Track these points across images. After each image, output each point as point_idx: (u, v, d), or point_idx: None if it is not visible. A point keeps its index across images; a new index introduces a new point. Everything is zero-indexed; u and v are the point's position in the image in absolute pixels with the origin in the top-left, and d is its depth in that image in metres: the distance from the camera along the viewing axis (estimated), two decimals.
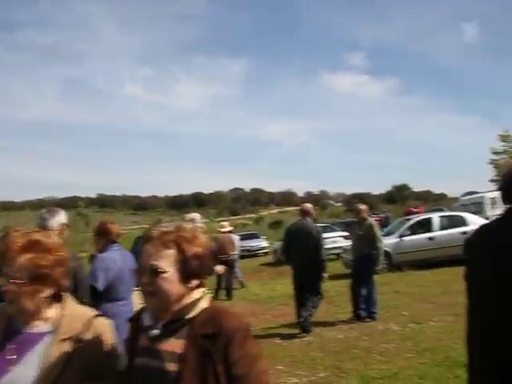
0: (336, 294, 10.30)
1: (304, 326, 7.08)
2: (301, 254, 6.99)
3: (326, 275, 7.15)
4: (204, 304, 1.54)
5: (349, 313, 7.95)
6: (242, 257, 18.78)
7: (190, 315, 1.50)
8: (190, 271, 1.50)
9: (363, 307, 7.70)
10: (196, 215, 5.24)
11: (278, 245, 21.99)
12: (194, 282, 1.53)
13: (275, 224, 55.88)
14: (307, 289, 7.13)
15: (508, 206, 1.73)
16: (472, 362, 1.79)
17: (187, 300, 1.52)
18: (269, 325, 8.11)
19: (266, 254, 26.39)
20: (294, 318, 7.47)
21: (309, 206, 7.49)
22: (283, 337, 7.15)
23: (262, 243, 27.36)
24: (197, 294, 1.55)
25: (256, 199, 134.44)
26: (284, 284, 13.18)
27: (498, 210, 15.71)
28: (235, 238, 13.48)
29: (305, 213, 7.36)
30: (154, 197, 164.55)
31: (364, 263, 7.82)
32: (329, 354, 6.08)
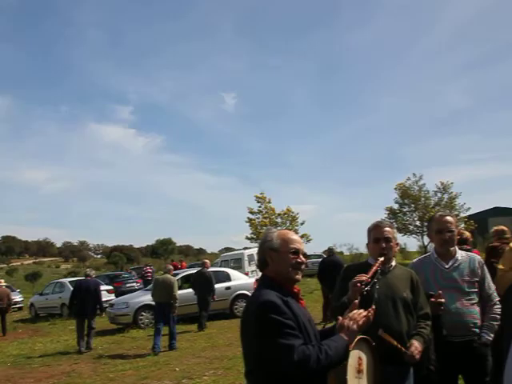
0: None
1: None
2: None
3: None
4: None
5: None
6: None
7: None
8: None
9: None
10: None
11: (35, 298, 20.11)
12: None
13: (32, 276, 51.23)
14: None
15: None
16: None
17: None
18: None
19: (20, 309, 24.18)
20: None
21: None
22: None
23: (16, 297, 24.51)
24: None
25: (8, 248, 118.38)
26: (44, 343, 12.11)
27: (254, 267, 17.40)
28: None
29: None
30: None
31: None
32: None
